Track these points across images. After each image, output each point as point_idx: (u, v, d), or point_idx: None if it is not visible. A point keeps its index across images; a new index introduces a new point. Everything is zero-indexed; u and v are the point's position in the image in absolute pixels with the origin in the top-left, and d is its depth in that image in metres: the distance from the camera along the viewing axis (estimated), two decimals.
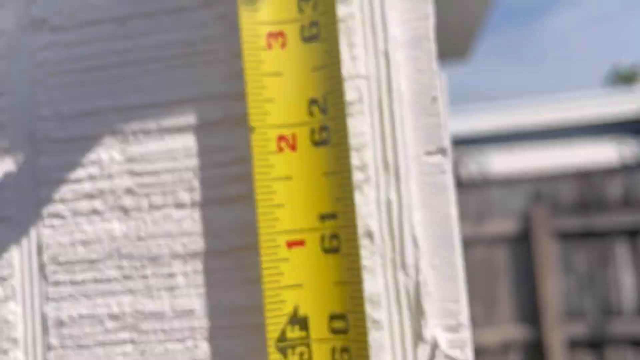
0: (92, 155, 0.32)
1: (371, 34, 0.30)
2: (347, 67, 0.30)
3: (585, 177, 3.98)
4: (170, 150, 0.31)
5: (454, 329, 0.28)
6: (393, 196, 0.29)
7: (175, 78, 0.31)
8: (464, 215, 4.02)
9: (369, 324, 0.28)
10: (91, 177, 0.32)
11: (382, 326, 0.28)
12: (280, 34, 0.28)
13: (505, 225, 3.68)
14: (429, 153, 0.29)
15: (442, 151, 0.29)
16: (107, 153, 0.32)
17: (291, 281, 0.27)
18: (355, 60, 0.30)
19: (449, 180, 0.29)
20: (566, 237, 3.46)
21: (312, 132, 0.27)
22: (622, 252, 3.41)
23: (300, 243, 0.27)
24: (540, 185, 3.98)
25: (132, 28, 0.32)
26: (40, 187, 0.32)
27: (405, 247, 0.29)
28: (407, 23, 0.30)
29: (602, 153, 5.60)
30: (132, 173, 0.31)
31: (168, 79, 0.31)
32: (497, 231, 3.66)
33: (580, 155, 5.58)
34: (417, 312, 0.28)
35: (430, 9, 0.30)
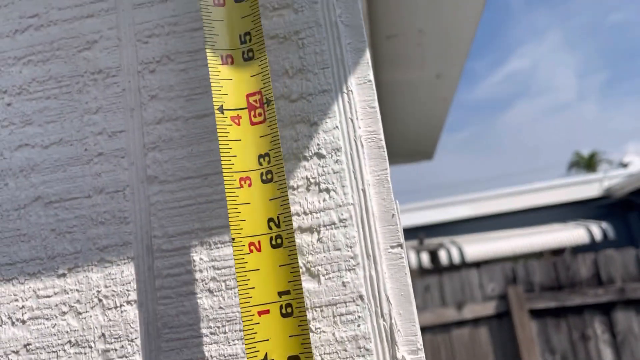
0: (188, 258, 0.52)
1: (354, 180, 0.52)
2: (341, 199, 0.51)
3: (557, 257, 4.20)
4: None
5: (414, 352, 0.48)
6: (373, 273, 0.49)
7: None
8: (446, 297, 4.16)
9: (363, 352, 0.47)
10: (187, 272, 0.51)
11: (372, 352, 0.48)
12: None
13: (484, 307, 3.82)
14: (392, 247, 0.50)
15: (400, 245, 0.50)
16: (198, 256, 0.52)
17: (262, 337, 0.43)
18: (346, 195, 0.51)
19: (405, 262, 0.50)
20: (544, 315, 3.61)
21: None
22: (599, 327, 3.55)
23: (267, 312, 0.45)
24: (515, 267, 4.17)
25: (212, 180, 0.53)
26: (156, 280, 0.52)
27: (382, 304, 0.49)
28: (374, 173, 0.52)
29: (571, 235, 5.89)
30: (214, 268, 0.51)
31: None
32: (477, 314, 3.79)
33: (551, 237, 5.86)
34: (392, 343, 0.48)
35: (386, 165, 0.52)
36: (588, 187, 7.19)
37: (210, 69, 0.48)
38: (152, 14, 0.57)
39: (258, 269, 0.45)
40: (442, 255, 6.09)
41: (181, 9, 0.57)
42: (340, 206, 0.51)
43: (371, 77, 0.54)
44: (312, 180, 0.52)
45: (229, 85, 0.48)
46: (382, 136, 0.53)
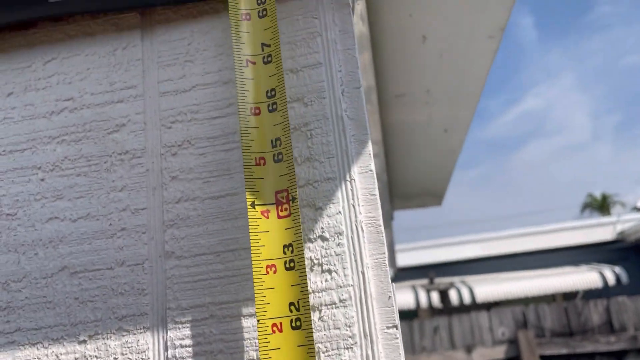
0: (199, 330, 0.56)
1: (355, 262, 0.56)
2: (341, 280, 0.56)
3: (569, 302, 4.14)
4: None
5: None
6: (369, 352, 0.53)
7: (244, 287, 0.57)
8: (455, 339, 4.12)
9: None
10: (198, 343, 0.56)
11: None
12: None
13: (494, 351, 3.77)
14: (388, 327, 0.54)
15: (395, 326, 0.54)
16: (208, 329, 0.56)
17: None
18: (347, 276, 0.56)
19: (400, 343, 0.54)
20: None
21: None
22: None
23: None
24: (526, 311, 4.12)
25: (224, 258, 0.58)
26: (169, 350, 0.56)
27: None
28: (373, 256, 0.56)
29: (583, 278, 5.82)
30: (223, 340, 0.55)
31: (240, 287, 0.57)
32: (487, 358, 3.75)
33: (563, 280, 5.79)
34: None
35: (384, 249, 0.56)
36: (601, 230, 7.14)
37: (245, 170, 0.54)
38: (176, 102, 0.63)
39: (279, 348, 0.49)
40: (453, 295, 6.04)
41: (202, 99, 0.63)
42: (340, 287, 0.55)
43: (372, 167, 0.59)
44: (315, 262, 0.56)
45: (261, 183, 0.54)
46: (381, 221, 0.57)
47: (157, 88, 0.64)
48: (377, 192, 0.59)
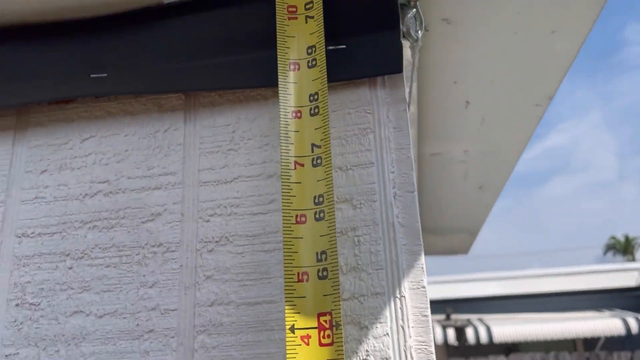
0: None
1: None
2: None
3: (591, 351, 4.00)
4: None
5: None
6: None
7: None
8: None
9: None
10: None
11: None
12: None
13: None
14: None
15: None
16: None
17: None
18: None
19: None
20: None
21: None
22: None
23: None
24: (546, 358, 3.99)
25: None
26: None
27: None
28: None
29: (606, 324, 5.63)
30: None
31: None
32: None
33: (584, 325, 5.61)
34: None
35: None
36: (625, 275, 6.92)
37: (285, 288, 0.49)
38: (216, 193, 0.59)
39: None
40: (469, 333, 5.88)
41: (244, 192, 0.59)
42: None
43: (425, 283, 0.54)
44: None
45: (301, 302, 0.49)
46: (432, 348, 0.52)
47: (197, 177, 0.61)
48: (429, 312, 0.54)
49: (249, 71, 0.61)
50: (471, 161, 1.44)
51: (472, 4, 0.87)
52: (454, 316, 6.30)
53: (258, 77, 0.60)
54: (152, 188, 0.61)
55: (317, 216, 0.51)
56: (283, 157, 0.53)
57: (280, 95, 0.55)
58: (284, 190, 0.51)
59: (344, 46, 0.60)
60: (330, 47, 0.59)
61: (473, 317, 6.38)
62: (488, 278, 7.09)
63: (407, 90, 0.62)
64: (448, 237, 2.08)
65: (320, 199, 0.51)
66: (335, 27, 0.59)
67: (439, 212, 1.88)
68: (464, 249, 2.27)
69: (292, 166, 0.52)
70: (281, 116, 0.54)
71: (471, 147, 1.36)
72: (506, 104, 1.18)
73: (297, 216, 0.51)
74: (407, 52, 0.64)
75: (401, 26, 0.61)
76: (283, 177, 0.52)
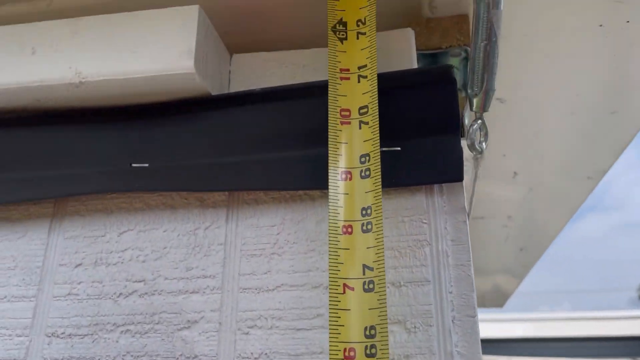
0: None
1: None
2: None
3: None
4: None
5: None
6: None
7: None
8: None
9: None
10: None
11: None
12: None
13: None
14: None
15: None
16: None
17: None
18: None
19: None
20: None
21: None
22: None
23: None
24: None
25: None
26: None
27: None
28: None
29: None
30: None
31: None
32: None
33: None
34: None
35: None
36: None
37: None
38: (257, 302, 0.55)
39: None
40: None
41: (287, 303, 0.55)
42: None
43: None
44: None
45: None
46: None
47: (238, 282, 0.57)
48: None
49: (297, 171, 0.57)
50: (514, 227, 1.38)
51: (528, 86, 0.83)
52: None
53: (307, 177, 0.57)
54: (189, 292, 0.57)
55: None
56: (331, 280, 0.48)
57: (330, 207, 0.50)
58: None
59: (398, 148, 0.56)
60: (383, 149, 0.55)
61: (502, 358, 6.15)
62: (517, 319, 6.85)
63: (466, 199, 0.57)
64: (482, 292, 2.00)
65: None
66: (390, 129, 0.56)
67: (477, 270, 1.81)
68: (499, 304, 2.18)
69: (340, 289, 0.48)
70: (330, 231, 0.50)
71: (516, 213, 1.30)
72: (555, 176, 1.12)
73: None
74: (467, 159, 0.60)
75: (466, 139, 0.57)
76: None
